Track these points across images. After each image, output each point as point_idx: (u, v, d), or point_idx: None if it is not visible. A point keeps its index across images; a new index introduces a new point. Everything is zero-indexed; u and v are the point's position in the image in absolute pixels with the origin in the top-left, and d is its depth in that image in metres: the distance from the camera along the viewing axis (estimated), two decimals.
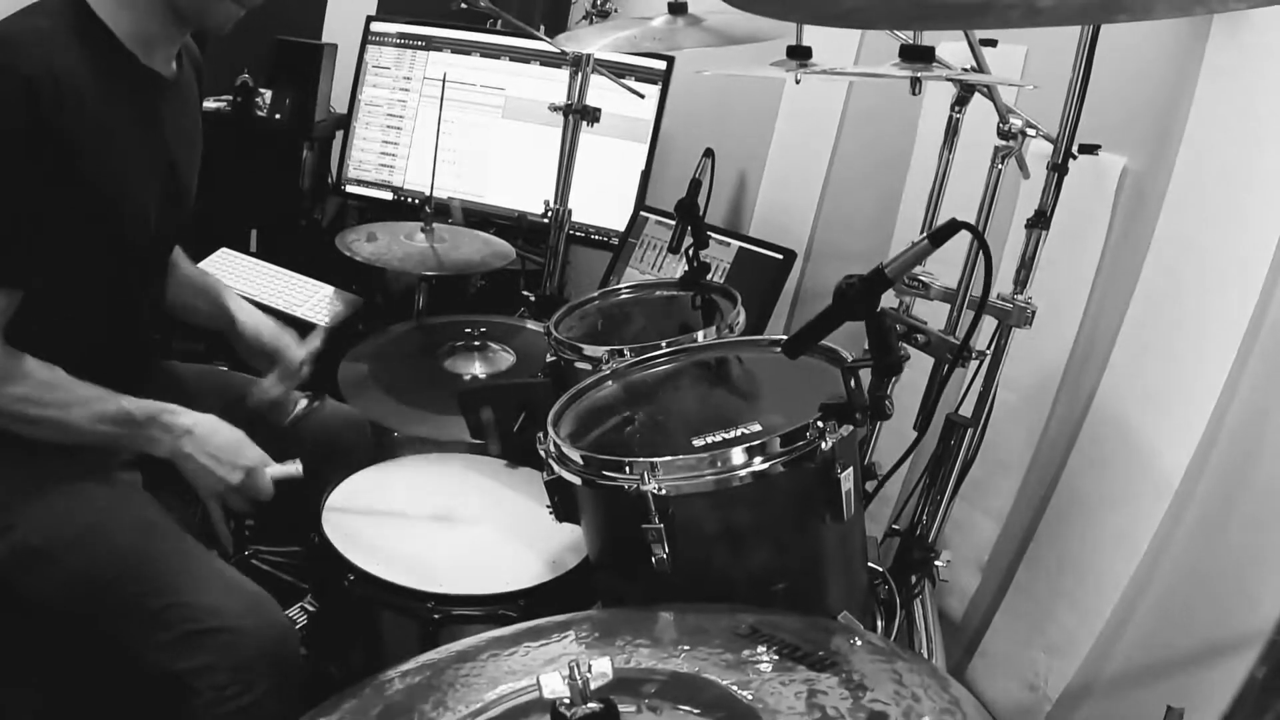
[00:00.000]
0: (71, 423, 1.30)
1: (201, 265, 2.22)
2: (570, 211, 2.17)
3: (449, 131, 2.53)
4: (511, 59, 2.60)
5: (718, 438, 1.11)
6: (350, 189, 2.75)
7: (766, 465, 1.05)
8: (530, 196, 2.31)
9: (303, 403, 1.65)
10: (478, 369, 1.86)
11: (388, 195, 2.71)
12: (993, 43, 1.60)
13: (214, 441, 1.38)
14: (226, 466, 1.37)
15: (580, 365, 1.43)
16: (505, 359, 1.89)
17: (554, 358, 1.49)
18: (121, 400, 1.33)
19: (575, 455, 1.13)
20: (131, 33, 1.33)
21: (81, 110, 1.25)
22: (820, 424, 1.05)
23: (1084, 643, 1.63)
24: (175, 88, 1.44)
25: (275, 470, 1.42)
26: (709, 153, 2.23)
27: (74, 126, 1.25)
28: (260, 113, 2.59)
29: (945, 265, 1.51)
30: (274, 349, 1.65)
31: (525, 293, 2.29)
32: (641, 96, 2.27)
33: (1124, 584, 1.57)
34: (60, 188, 1.26)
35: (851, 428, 1.08)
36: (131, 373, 1.43)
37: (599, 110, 2.11)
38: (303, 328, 1.76)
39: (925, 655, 1.51)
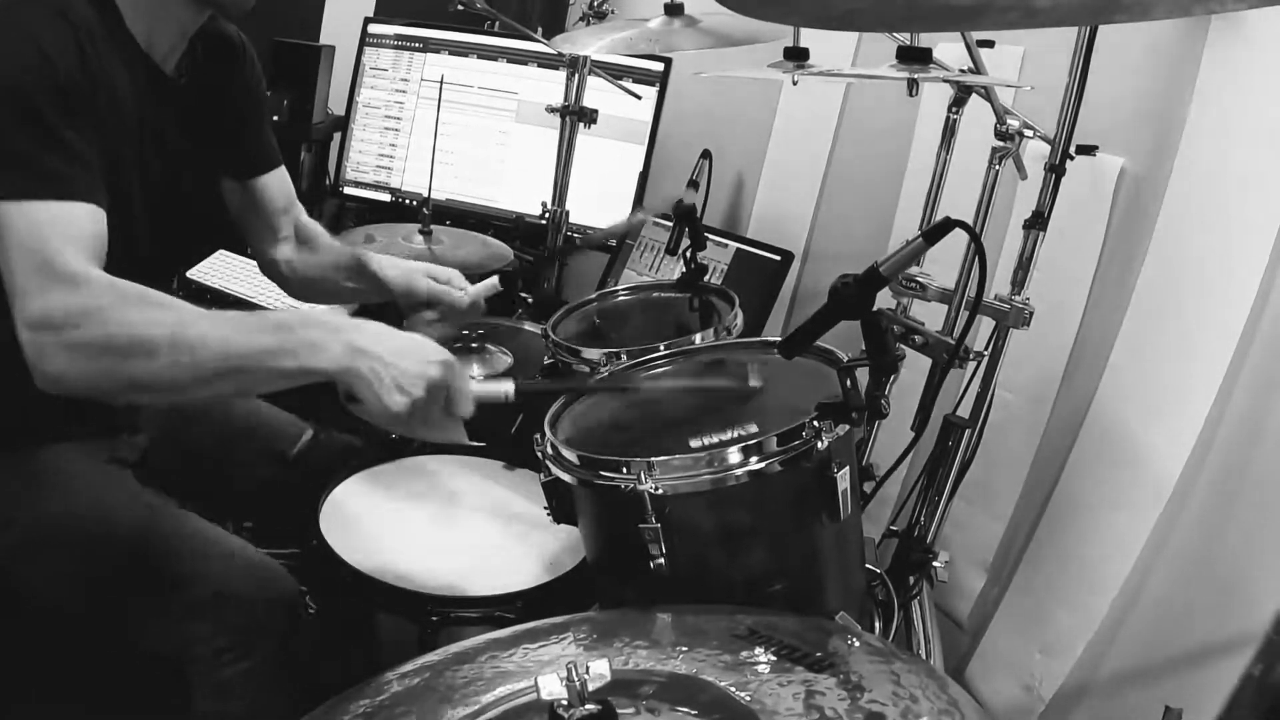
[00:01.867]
0: (231, 341, 1.03)
1: (199, 267, 2.23)
2: (568, 213, 2.17)
3: (447, 133, 2.53)
4: (509, 60, 2.60)
5: (714, 438, 1.11)
6: (348, 191, 2.74)
7: (763, 465, 1.05)
8: (528, 198, 2.31)
9: (307, 434, 1.59)
10: (475, 370, 1.85)
11: (386, 197, 2.71)
12: (990, 44, 1.60)
13: (394, 339, 1.08)
14: (419, 362, 1.07)
15: (578, 368, 1.43)
16: (503, 360, 1.88)
17: (551, 360, 1.49)
18: (261, 313, 1.11)
19: (572, 456, 1.13)
20: (146, 26, 1.22)
21: (112, 86, 1.16)
22: (816, 423, 1.05)
23: (1079, 643, 1.63)
24: (180, 91, 1.31)
25: (480, 388, 1.13)
26: (706, 154, 2.24)
27: (104, 102, 1.15)
28: None
29: (942, 266, 1.52)
30: (433, 299, 1.51)
31: (523, 294, 2.29)
32: (639, 98, 2.27)
33: (1120, 584, 1.57)
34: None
35: (847, 427, 1.08)
36: None
37: (596, 112, 2.11)
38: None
39: (923, 656, 1.51)
